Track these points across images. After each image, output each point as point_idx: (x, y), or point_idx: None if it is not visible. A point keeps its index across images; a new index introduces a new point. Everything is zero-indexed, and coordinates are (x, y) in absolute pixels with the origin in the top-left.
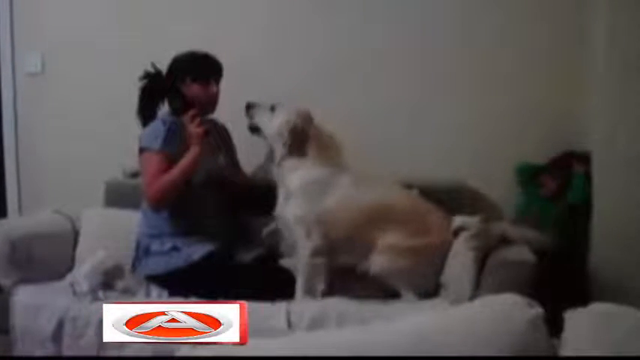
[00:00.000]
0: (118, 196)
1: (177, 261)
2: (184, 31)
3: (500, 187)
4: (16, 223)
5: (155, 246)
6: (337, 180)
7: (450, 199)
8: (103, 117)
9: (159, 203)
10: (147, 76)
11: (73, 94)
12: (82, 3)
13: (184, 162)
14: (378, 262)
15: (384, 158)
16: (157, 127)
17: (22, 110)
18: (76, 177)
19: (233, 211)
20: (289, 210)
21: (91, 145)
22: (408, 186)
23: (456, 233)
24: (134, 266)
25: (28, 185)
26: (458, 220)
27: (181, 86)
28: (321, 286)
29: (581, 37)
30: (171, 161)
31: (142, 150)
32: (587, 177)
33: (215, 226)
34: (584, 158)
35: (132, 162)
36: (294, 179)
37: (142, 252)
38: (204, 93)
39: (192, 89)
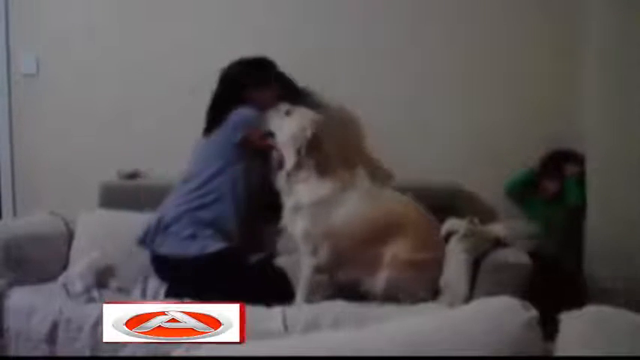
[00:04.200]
0: (112, 198)
1: (190, 249)
2: (181, 32)
3: (495, 189)
4: (10, 225)
5: (175, 227)
6: (346, 196)
7: (444, 202)
8: (98, 118)
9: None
10: (222, 82)
11: (68, 95)
12: (77, 4)
13: None
14: (383, 277)
15: (380, 160)
16: (240, 113)
17: (17, 111)
18: (71, 178)
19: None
20: (297, 224)
21: (86, 147)
22: (403, 189)
23: (447, 237)
24: (144, 239)
25: (23, 187)
26: (447, 224)
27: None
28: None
29: (579, 39)
30: None
31: (248, 134)
32: (581, 178)
33: (237, 227)
34: (574, 157)
35: (127, 163)
36: (304, 193)
37: (161, 227)
38: (265, 95)
39: (255, 93)
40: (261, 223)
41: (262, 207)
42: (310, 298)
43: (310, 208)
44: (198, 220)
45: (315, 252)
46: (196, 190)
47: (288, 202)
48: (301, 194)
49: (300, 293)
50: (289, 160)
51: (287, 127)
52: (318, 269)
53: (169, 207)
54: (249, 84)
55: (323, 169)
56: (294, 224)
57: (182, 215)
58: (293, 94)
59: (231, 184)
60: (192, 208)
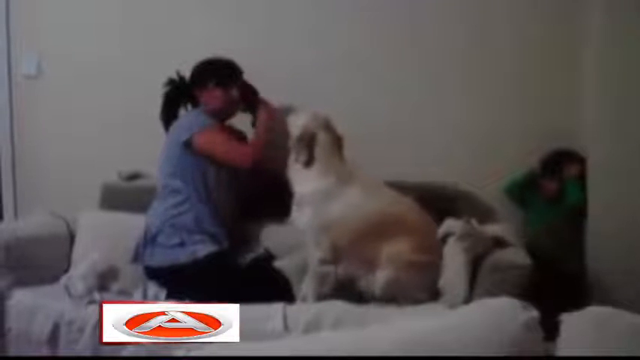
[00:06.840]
0: (113, 199)
1: (180, 256)
2: (183, 32)
3: (496, 189)
4: (11, 226)
5: (161, 238)
6: (344, 190)
7: (444, 202)
8: (99, 120)
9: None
10: (171, 82)
11: (69, 96)
12: (79, 4)
13: (263, 120)
14: (382, 276)
15: (381, 158)
16: (189, 115)
17: (18, 113)
18: (72, 180)
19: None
20: (300, 216)
21: (87, 148)
22: (403, 190)
23: (444, 239)
24: (136, 255)
25: (24, 188)
26: (444, 225)
27: (204, 90)
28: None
29: (579, 39)
30: (224, 128)
31: (194, 136)
32: (581, 178)
33: (222, 228)
34: (574, 157)
35: (128, 165)
36: (303, 187)
37: (149, 239)
38: (225, 97)
39: (215, 93)
40: (249, 221)
41: (242, 205)
42: (318, 290)
43: (307, 201)
44: (182, 227)
45: (317, 244)
46: (172, 198)
47: (295, 196)
48: (299, 188)
49: (308, 285)
50: (294, 155)
51: (292, 123)
52: (322, 261)
53: (152, 218)
54: (212, 81)
55: (325, 163)
56: (299, 217)
57: (165, 225)
58: (253, 102)
59: (203, 186)
60: (173, 216)
